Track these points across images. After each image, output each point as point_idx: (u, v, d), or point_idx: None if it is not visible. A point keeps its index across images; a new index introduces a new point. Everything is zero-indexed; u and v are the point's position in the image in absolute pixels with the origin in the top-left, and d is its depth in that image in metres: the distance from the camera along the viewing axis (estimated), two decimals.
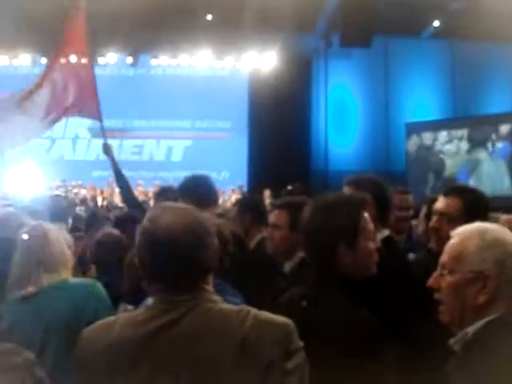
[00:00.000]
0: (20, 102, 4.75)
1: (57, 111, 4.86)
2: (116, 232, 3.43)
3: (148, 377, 1.39)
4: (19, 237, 2.43)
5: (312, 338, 1.46)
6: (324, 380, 1.51)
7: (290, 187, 9.47)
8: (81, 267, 3.47)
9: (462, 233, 1.58)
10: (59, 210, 4.87)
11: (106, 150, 4.58)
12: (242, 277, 2.39)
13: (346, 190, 2.39)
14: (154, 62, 14.89)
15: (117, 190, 11.74)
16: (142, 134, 15.52)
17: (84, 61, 4.97)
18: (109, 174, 11.70)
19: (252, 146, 15.12)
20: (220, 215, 3.34)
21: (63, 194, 11.09)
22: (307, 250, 1.98)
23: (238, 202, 4.09)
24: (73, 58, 5.01)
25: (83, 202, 12.08)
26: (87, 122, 14.47)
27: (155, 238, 1.44)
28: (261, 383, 1.35)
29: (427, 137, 14.61)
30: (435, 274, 1.57)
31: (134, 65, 14.91)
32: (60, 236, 2.50)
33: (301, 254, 2.35)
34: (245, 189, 13.88)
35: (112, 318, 1.56)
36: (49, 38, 9.47)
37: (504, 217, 2.69)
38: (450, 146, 14.25)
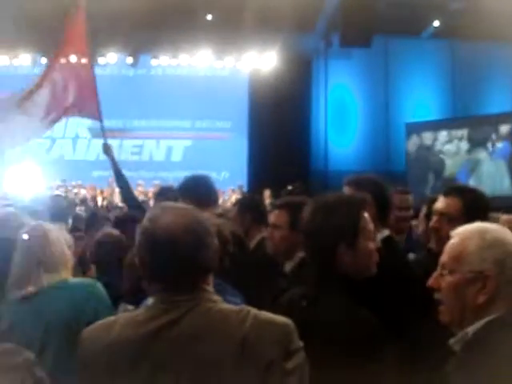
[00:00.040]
0: (20, 102, 4.75)
1: (57, 111, 4.86)
2: (116, 232, 3.43)
3: (148, 377, 1.39)
4: (19, 237, 2.43)
5: (312, 338, 1.46)
6: (324, 380, 1.51)
7: (289, 187, 9.47)
8: (81, 267, 3.46)
9: (462, 233, 1.58)
10: (59, 210, 4.88)
11: (106, 149, 4.58)
12: (242, 277, 2.39)
13: (346, 189, 2.39)
14: (154, 62, 14.89)
15: (117, 190, 11.74)
16: (141, 134, 15.52)
17: (84, 61, 4.97)
18: (109, 174, 11.70)
19: (252, 146, 15.12)
20: (220, 215, 3.34)
21: (63, 194, 11.09)
22: (307, 249, 1.98)
23: (238, 202, 4.09)
24: (73, 58, 5.01)
25: (83, 201, 12.08)
26: (87, 122, 14.47)
27: (155, 238, 1.44)
28: (261, 383, 1.35)
29: (427, 137, 14.61)
30: (435, 274, 1.57)
31: (134, 65, 14.91)
32: (60, 236, 2.50)
33: (301, 254, 2.35)
34: (245, 189, 13.88)
35: (112, 318, 1.56)
36: (49, 37, 9.46)
37: (504, 217, 2.69)
38: (450, 146, 14.25)
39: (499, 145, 13.45)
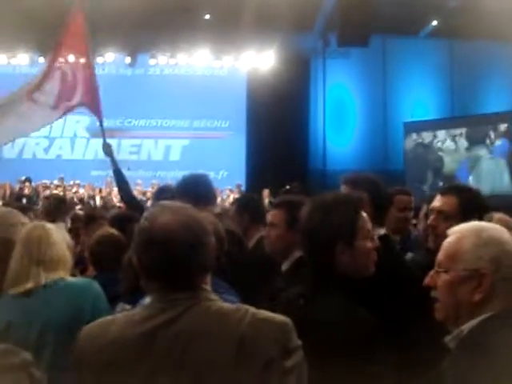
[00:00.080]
0: (29, 92, 4.79)
1: (67, 101, 4.87)
2: (114, 231, 3.43)
3: (146, 376, 1.39)
4: (17, 235, 2.43)
5: (310, 336, 1.46)
6: (322, 379, 1.51)
7: (287, 187, 9.49)
8: (79, 267, 3.46)
9: (458, 231, 1.58)
10: None
11: (106, 149, 4.57)
12: (240, 276, 2.40)
13: (343, 188, 2.40)
14: (152, 61, 14.89)
15: (115, 189, 11.75)
16: (140, 134, 15.52)
17: (83, 61, 4.98)
18: (107, 173, 11.75)
19: (250, 145, 15.13)
20: (219, 215, 3.34)
21: (61, 193, 11.09)
22: (305, 249, 1.99)
23: (236, 202, 4.09)
24: (71, 58, 5.01)
25: (81, 201, 12.08)
26: (86, 122, 14.49)
27: (153, 237, 1.44)
28: (259, 382, 1.36)
29: (425, 135, 14.64)
30: (432, 272, 1.58)
31: (132, 64, 14.92)
32: (60, 236, 2.51)
33: (297, 254, 2.36)
34: (243, 188, 13.89)
35: (110, 317, 1.56)
36: (47, 37, 9.45)
37: (497, 215, 2.70)
38: (449, 144, 14.28)
39: (498, 142, 13.47)
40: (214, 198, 3.36)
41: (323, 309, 1.78)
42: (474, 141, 13.87)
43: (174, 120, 15.46)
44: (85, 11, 4.99)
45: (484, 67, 13.93)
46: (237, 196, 10.32)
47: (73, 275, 2.59)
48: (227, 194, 13.19)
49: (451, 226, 1.67)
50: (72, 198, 12.08)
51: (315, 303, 1.81)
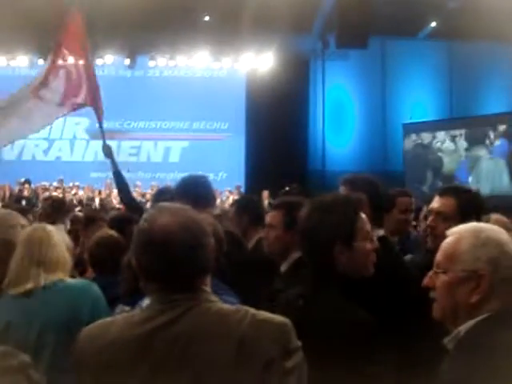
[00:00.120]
0: (34, 89, 4.81)
1: (73, 99, 4.88)
2: (113, 233, 3.43)
3: (146, 377, 1.39)
4: (17, 236, 2.44)
5: (309, 337, 1.46)
6: (322, 379, 1.51)
7: (287, 188, 9.49)
8: (78, 268, 3.46)
9: (456, 232, 1.58)
10: None
11: (107, 151, 4.56)
12: (240, 277, 2.40)
13: (342, 189, 2.41)
14: (151, 63, 14.91)
15: (114, 191, 11.75)
16: (139, 136, 15.52)
17: (82, 62, 4.98)
18: (106, 175, 11.75)
19: (249, 146, 15.14)
20: (218, 216, 3.34)
21: (60, 195, 11.09)
22: (304, 249, 1.99)
23: (236, 203, 4.09)
24: (70, 60, 5.01)
25: (80, 202, 12.08)
26: (85, 124, 14.50)
27: (152, 238, 1.44)
28: (259, 382, 1.36)
29: (425, 136, 14.66)
30: (430, 273, 1.58)
31: (131, 66, 14.93)
32: (60, 237, 2.51)
33: (296, 255, 2.36)
34: (242, 189, 13.89)
35: (109, 318, 1.56)
36: (46, 39, 9.48)
37: (494, 216, 2.71)
38: (449, 144, 14.29)
39: (497, 142, 13.48)
40: (214, 199, 3.36)
41: (322, 309, 1.78)
42: (474, 141, 13.89)
43: (174, 121, 15.48)
44: (84, 13, 4.99)
45: (483, 68, 13.95)
46: (236, 197, 10.33)
47: (72, 277, 2.60)
48: (226, 195, 13.19)
49: (450, 226, 1.68)
50: (71, 199, 12.08)
51: (314, 303, 1.81)
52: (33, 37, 12.40)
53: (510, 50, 12.78)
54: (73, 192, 13.08)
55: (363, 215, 1.93)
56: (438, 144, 14.42)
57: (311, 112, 15.30)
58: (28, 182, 13.15)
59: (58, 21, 5.50)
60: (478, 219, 2.13)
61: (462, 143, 14.06)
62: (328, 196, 2.01)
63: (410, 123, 14.86)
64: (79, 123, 14.74)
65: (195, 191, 3.01)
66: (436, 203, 2.41)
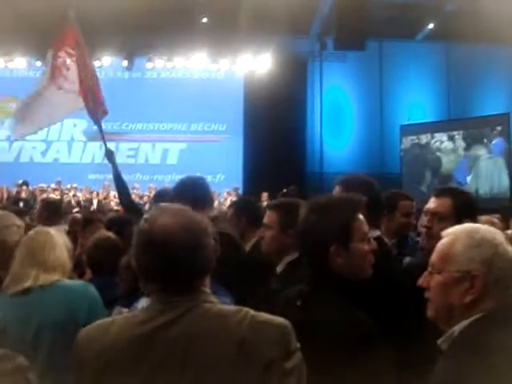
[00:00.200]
0: (52, 79, 4.83)
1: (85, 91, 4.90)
2: (112, 235, 3.43)
3: (146, 378, 1.39)
4: (10, 236, 2.45)
5: (307, 337, 1.47)
6: (320, 380, 1.51)
7: (284, 190, 9.51)
8: (77, 270, 3.47)
9: (451, 233, 1.59)
10: None
11: (109, 155, 4.55)
12: (237, 278, 2.41)
13: (337, 189, 2.39)
14: (149, 65, 14.89)
15: (112, 192, 11.76)
16: (137, 137, 15.50)
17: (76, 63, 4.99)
18: (104, 177, 11.75)
19: (247, 148, 15.13)
20: (215, 218, 3.34)
21: (58, 197, 11.08)
22: (301, 250, 2.00)
23: (234, 205, 4.09)
24: (69, 61, 5.02)
25: (78, 204, 12.07)
26: (83, 125, 14.48)
27: (152, 239, 1.45)
28: (259, 383, 1.36)
29: (422, 138, 14.67)
30: (425, 274, 1.59)
31: (129, 68, 14.92)
32: (61, 240, 2.52)
33: (292, 255, 2.37)
34: (240, 191, 13.89)
35: (109, 319, 1.57)
36: (45, 41, 9.46)
37: (484, 217, 2.73)
38: (447, 144, 14.31)
39: (494, 141, 13.50)
40: (212, 201, 3.36)
41: (320, 309, 1.78)
42: (472, 142, 13.91)
43: (172, 123, 15.47)
44: (82, 14, 5.00)
45: (480, 70, 13.98)
46: (234, 199, 10.33)
47: (70, 279, 2.61)
48: (224, 197, 13.19)
49: (446, 227, 1.68)
50: (69, 201, 12.07)
51: (312, 304, 1.82)
52: (31, 38, 12.39)
53: (507, 51, 12.83)
54: (71, 194, 13.06)
55: (361, 216, 1.93)
56: (437, 144, 14.43)
57: (309, 114, 15.31)
58: (26, 183, 13.13)
59: (57, 23, 5.51)
60: (474, 220, 2.15)
61: (461, 143, 14.08)
62: (325, 197, 2.01)
63: (408, 125, 14.88)
64: (77, 125, 14.73)
65: (193, 193, 3.02)
66: (432, 204, 2.41)
